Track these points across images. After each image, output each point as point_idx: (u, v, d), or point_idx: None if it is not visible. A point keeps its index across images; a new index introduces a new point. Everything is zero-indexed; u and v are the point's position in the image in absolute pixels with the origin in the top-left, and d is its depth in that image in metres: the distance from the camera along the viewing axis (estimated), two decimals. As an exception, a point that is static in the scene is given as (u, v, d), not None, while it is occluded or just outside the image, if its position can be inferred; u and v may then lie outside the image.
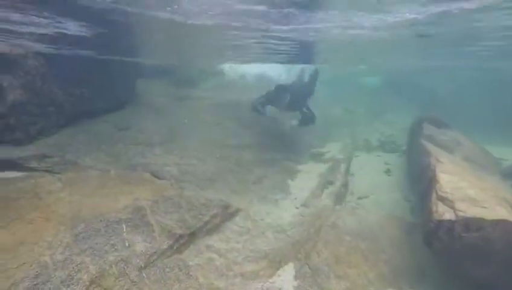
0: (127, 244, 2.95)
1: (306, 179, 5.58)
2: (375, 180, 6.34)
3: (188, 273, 2.97)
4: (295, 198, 4.95)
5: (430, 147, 4.78)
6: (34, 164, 3.77)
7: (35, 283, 2.38)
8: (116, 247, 2.89)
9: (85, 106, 5.18)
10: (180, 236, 3.28)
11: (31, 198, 3.22)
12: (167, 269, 2.92)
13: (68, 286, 2.42)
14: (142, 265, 2.83)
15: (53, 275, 2.45)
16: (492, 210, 2.85)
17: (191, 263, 3.09)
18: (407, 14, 4.06)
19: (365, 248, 3.86)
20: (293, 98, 6.52)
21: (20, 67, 4.15)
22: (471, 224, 2.82)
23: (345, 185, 5.76)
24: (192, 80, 10.10)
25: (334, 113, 10.63)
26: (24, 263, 2.50)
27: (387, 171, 6.79)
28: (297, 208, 4.75)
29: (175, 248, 3.18)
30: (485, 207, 2.86)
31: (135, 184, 3.88)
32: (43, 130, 4.37)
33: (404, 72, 12.85)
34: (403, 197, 5.59)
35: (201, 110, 7.68)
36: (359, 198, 5.65)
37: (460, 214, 2.83)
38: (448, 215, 2.82)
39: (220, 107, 7.82)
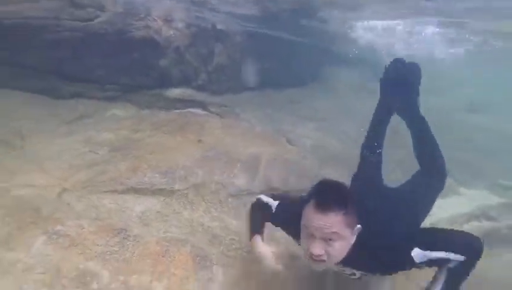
0: (231, 176, 3.79)
1: (457, 203, 4.60)
2: None
3: (261, 215, 3.49)
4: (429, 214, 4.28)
5: None
6: (213, 109, 5.24)
7: (166, 171, 3.60)
8: (224, 174, 3.78)
9: (270, 77, 6.36)
10: (274, 189, 3.80)
11: (198, 127, 4.60)
12: (248, 206, 3.54)
13: (181, 182, 3.52)
14: (232, 193, 3.60)
15: (176, 172, 3.61)
16: None
17: (269, 211, 3.58)
18: None
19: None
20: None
21: (229, 40, 5.70)
22: None
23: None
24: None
25: None
26: (167, 160, 3.80)
27: None
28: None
29: (264, 195, 3.75)
30: None
31: (269, 142, 4.64)
32: (232, 88, 5.85)
33: None
34: None
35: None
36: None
37: None
38: None
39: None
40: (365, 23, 8.24)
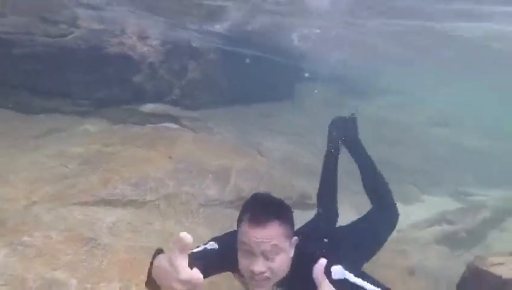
0: (202, 186, 3.88)
1: (420, 210, 4.89)
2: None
3: (232, 226, 3.58)
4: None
5: None
6: (186, 122, 5.34)
7: (137, 183, 3.64)
8: (194, 185, 3.86)
9: (242, 94, 6.56)
10: (244, 198, 3.91)
11: (170, 141, 4.67)
12: (218, 215, 3.64)
13: (152, 193, 3.57)
14: (203, 203, 3.69)
15: (147, 183, 3.66)
16: None
17: (239, 220, 3.68)
18: None
19: None
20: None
21: (202, 57, 5.89)
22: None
23: (474, 233, 4.62)
24: (364, 92, 10.08)
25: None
26: (138, 172, 3.84)
27: None
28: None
29: (235, 204, 3.85)
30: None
31: (240, 154, 4.78)
32: (205, 103, 5.99)
33: None
34: None
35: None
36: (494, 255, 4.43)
37: None
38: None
39: (373, 125, 7.48)
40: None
